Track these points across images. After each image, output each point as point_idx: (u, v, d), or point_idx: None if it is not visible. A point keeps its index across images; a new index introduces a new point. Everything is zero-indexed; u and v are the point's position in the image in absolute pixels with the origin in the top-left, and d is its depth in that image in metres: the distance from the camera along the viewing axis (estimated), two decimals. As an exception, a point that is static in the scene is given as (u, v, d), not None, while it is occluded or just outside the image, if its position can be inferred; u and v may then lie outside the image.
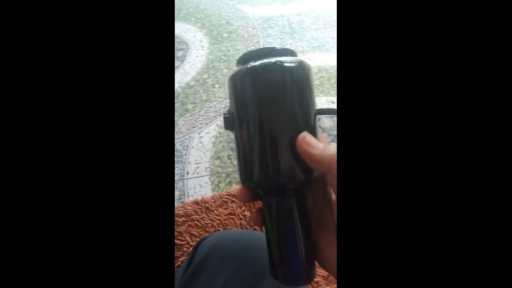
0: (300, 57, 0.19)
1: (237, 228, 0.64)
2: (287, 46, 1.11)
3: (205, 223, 0.65)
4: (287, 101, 0.17)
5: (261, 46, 1.03)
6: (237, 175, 0.74)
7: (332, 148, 0.17)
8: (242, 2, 1.20)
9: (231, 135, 0.80)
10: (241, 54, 0.97)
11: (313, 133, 0.18)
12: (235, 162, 0.75)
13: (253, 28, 1.08)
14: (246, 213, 0.66)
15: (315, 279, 0.57)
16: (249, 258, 0.32)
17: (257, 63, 0.18)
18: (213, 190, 0.71)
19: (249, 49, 1.02)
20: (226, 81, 0.19)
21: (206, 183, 0.73)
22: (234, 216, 0.66)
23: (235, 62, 0.19)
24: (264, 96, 0.17)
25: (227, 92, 0.20)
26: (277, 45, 1.01)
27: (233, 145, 0.79)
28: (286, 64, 0.17)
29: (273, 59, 0.17)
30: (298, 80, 0.18)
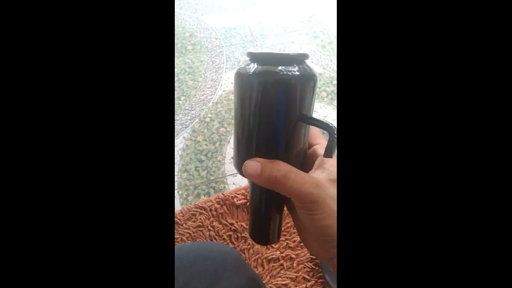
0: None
1: (206, 240, 0.65)
2: None
3: (175, 237, 0.65)
4: (283, 112, 0.19)
5: (225, 56, 1.05)
6: (205, 187, 0.74)
7: (269, 168, 0.19)
8: (205, 14, 1.21)
9: (198, 147, 0.81)
10: (205, 65, 0.96)
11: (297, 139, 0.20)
12: (203, 174, 0.76)
13: (216, 39, 1.10)
14: (214, 223, 0.66)
15: (284, 282, 0.58)
16: (200, 269, 0.32)
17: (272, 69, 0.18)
18: (181, 204, 0.71)
19: (213, 59, 1.03)
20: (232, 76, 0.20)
21: (174, 197, 0.72)
22: (203, 228, 0.66)
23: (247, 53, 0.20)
24: (263, 104, 0.19)
25: (234, 83, 0.21)
26: (239, 53, 1.03)
27: (200, 156, 0.79)
28: (289, 76, 0.18)
29: (275, 69, 0.18)
30: (301, 93, 0.19)
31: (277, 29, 1.09)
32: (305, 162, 0.22)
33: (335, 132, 0.18)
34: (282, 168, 0.19)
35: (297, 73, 0.18)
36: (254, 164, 0.20)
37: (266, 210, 0.23)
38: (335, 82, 0.90)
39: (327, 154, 0.18)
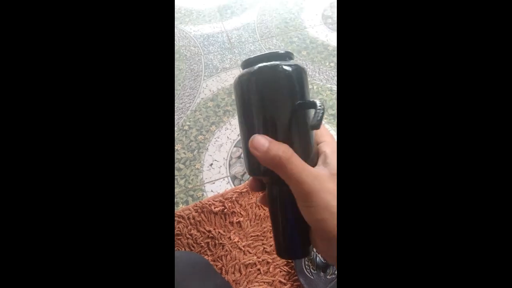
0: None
1: (185, 248, 0.65)
2: (227, 61, 1.12)
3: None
4: (283, 100, 0.20)
5: (203, 64, 1.06)
6: (183, 195, 0.74)
7: (276, 147, 0.19)
8: (184, 23, 1.22)
9: (176, 155, 0.81)
10: (184, 73, 0.97)
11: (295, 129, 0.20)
12: (181, 182, 0.76)
13: (194, 47, 1.11)
14: (192, 231, 0.66)
15: (261, 286, 0.59)
16: None
17: (258, 66, 0.20)
18: (160, 213, 0.71)
19: (192, 67, 1.04)
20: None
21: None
22: (181, 237, 0.66)
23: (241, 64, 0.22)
24: (265, 95, 0.20)
25: (235, 91, 0.22)
26: (218, 61, 1.04)
27: (178, 165, 0.80)
28: (284, 67, 0.20)
29: (273, 63, 0.20)
30: (293, 81, 0.20)
31: (254, 36, 1.11)
32: (315, 161, 0.22)
33: (319, 104, 0.19)
34: (288, 151, 0.19)
35: (289, 65, 0.20)
36: (262, 140, 0.20)
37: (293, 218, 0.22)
38: (310, 87, 0.92)
39: (312, 125, 0.19)
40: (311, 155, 0.21)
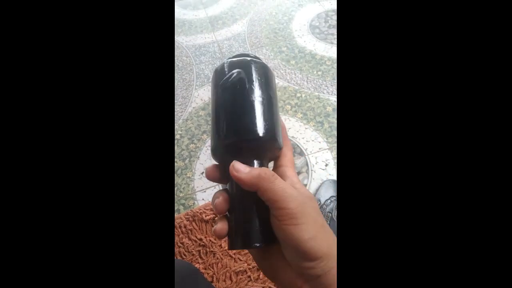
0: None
1: (176, 257, 0.66)
2: None
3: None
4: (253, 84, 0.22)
5: (195, 74, 1.08)
6: (175, 204, 0.75)
7: (257, 169, 0.19)
8: (176, 34, 1.25)
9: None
10: (176, 83, 0.99)
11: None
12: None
13: (186, 57, 1.13)
14: (184, 240, 0.67)
15: (251, 293, 0.60)
16: None
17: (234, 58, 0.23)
18: (152, 223, 0.72)
19: (184, 77, 1.06)
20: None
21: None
22: (172, 245, 0.67)
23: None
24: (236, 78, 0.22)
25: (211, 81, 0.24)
26: (209, 70, 1.07)
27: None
28: (256, 60, 0.23)
29: (247, 57, 0.23)
30: (262, 72, 0.23)
31: (244, 45, 1.13)
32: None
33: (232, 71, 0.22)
34: (269, 171, 0.20)
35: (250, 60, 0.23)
36: (243, 165, 0.20)
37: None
38: (298, 95, 0.94)
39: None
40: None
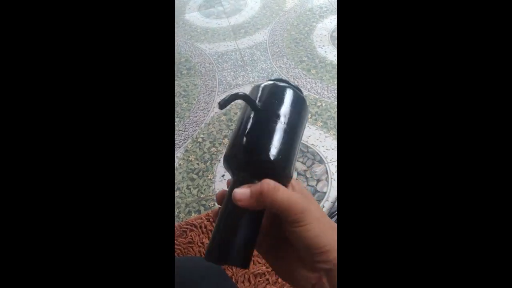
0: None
1: (197, 256, 0.67)
2: (240, 78, 1.17)
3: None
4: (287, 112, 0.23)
5: (217, 80, 1.12)
6: (195, 204, 0.78)
7: (258, 185, 0.20)
8: (199, 41, 1.30)
9: (190, 166, 0.85)
10: (199, 89, 1.04)
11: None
12: (194, 192, 0.80)
13: (209, 64, 1.17)
14: (204, 240, 0.69)
15: (269, 296, 0.61)
16: (186, 280, 0.36)
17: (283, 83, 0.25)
18: (173, 221, 0.74)
19: (206, 83, 1.10)
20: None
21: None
22: (193, 244, 0.69)
23: (218, 103, 0.23)
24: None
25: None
26: (231, 77, 1.10)
27: (192, 175, 0.83)
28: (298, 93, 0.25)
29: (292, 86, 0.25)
30: (300, 106, 0.24)
31: (266, 54, 1.17)
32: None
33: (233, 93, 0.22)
34: (271, 182, 0.20)
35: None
36: (242, 190, 0.20)
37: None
38: (319, 103, 0.96)
39: (218, 103, 0.21)
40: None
